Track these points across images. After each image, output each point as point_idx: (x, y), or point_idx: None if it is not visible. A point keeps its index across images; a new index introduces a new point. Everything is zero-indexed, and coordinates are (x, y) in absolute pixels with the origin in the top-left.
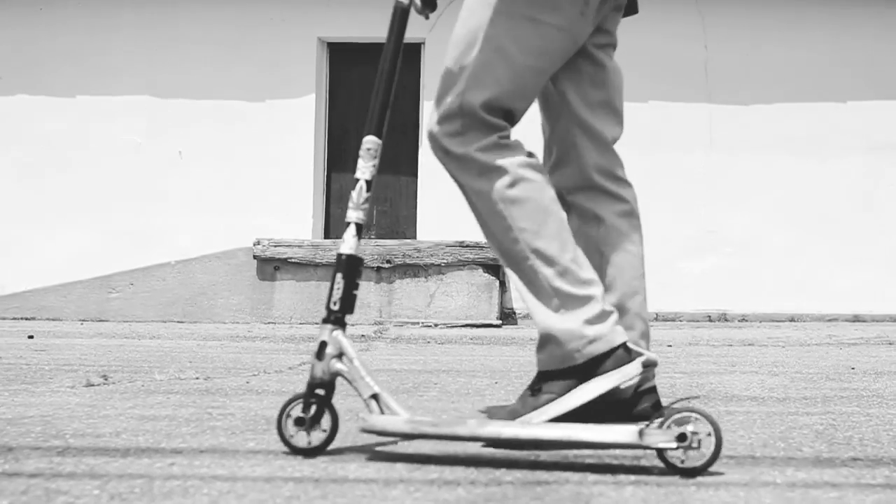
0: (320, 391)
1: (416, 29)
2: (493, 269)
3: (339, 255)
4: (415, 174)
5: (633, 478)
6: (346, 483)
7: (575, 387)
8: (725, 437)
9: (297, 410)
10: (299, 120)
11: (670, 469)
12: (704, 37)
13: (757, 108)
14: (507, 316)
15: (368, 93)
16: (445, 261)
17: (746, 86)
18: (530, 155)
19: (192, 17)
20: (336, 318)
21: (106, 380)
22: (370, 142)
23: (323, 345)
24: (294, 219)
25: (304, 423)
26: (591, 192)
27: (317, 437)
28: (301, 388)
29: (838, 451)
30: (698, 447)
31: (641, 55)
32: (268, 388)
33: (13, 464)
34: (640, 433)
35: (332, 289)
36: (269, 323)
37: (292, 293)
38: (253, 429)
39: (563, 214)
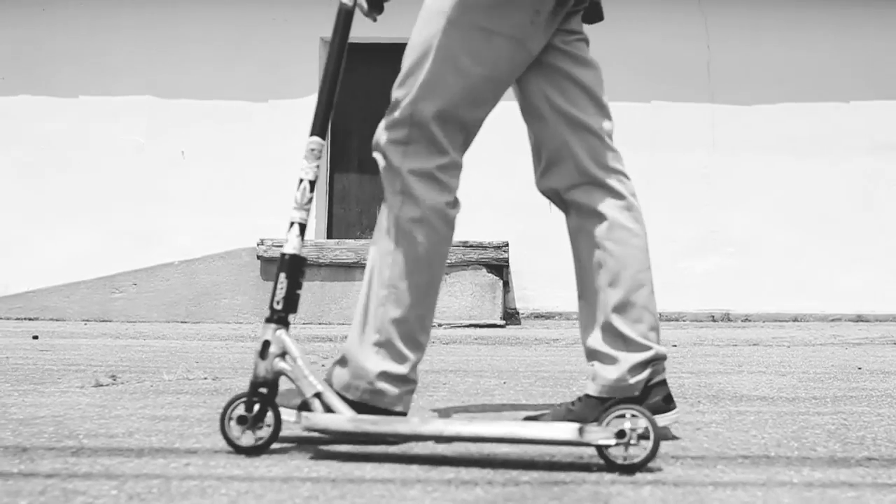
0: (263, 390)
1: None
2: (497, 269)
3: (283, 255)
4: None
5: (650, 477)
6: (363, 483)
7: (329, 409)
8: (738, 437)
9: (239, 410)
10: (301, 120)
11: (610, 466)
12: (707, 36)
13: (759, 108)
14: (511, 316)
15: (371, 93)
16: (449, 261)
17: (749, 86)
18: (455, 203)
19: (193, 17)
20: (279, 318)
21: (115, 380)
22: (314, 142)
23: (266, 344)
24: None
25: (246, 422)
26: (589, 187)
27: (260, 435)
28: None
29: (852, 451)
30: (637, 444)
31: (643, 55)
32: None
33: (28, 464)
34: (580, 430)
35: (275, 288)
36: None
37: None
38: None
39: (440, 277)
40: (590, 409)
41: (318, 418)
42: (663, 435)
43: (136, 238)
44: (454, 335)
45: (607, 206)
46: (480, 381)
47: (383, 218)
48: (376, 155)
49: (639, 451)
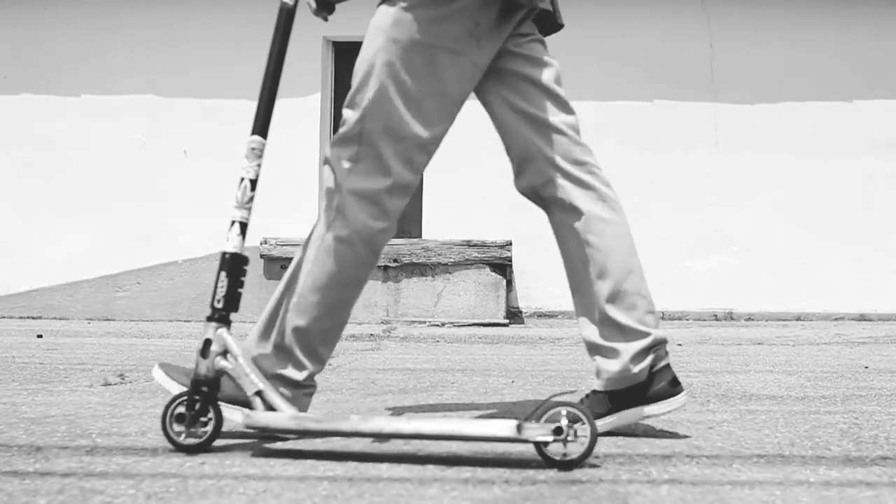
0: (204, 388)
1: None
2: (501, 268)
3: (224, 254)
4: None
5: (666, 476)
6: (380, 482)
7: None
8: (751, 436)
9: (181, 408)
10: (304, 119)
11: (548, 462)
12: (710, 36)
13: (762, 107)
14: (514, 315)
15: None
16: (453, 260)
17: (751, 85)
18: (388, 230)
19: (195, 15)
20: (221, 316)
21: (123, 379)
22: (255, 141)
23: (207, 342)
24: (299, 218)
25: (187, 421)
26: (562, 182)
27: (201, 433)
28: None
29: (867, 450)
30: (575, 440)
31: (646, 54)
32: None
33: (44, 463)
34: (519, 427)
35: (216, 287)
36: None
37: None
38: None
39: (353, 299)
40: (598, 404)
41: (260, 416)
42: (600, 431)
43: (139, 237)
44: (458, 334)
45: (583, 200)
46: (488, 380)
47: (315, 228)
48: (325, 168)
49: (577, 448)
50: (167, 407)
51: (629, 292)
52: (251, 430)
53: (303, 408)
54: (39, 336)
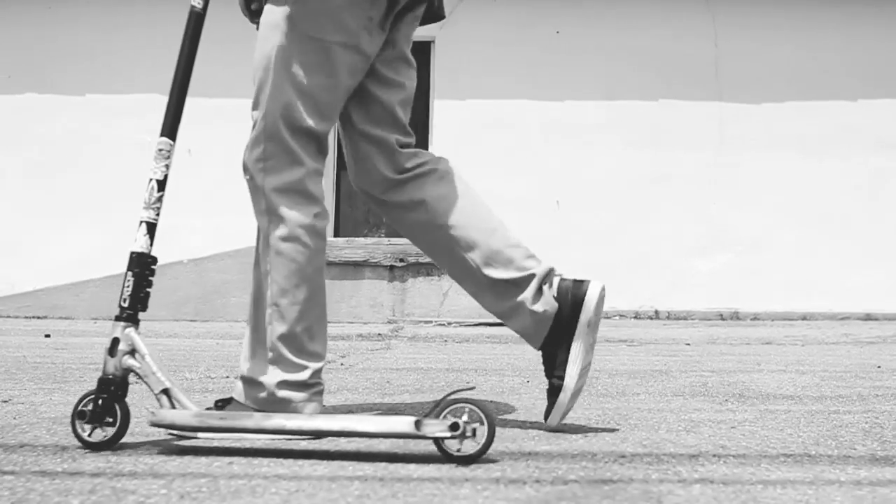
0: (112, 387)
1: (428, 27)
2: None
3: (131, 254)
4: None
5: (696, 475)
6: (411, 482)
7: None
8: (774, 436)
9: (89, 406)
10: None
11: (446, 457)
12: (714, 35)
13: (767, 106)
14: None
15: None
16: None
17: (756, 84)
18: (323, 213)
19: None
20: (128, 315)
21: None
22: (163, 143)
23: (115, 341)
24: None
25: (94, 419)
26: (397, 187)
27: (108, 431)
28: (332, 386)
29: (892, 450)
30: (473, 436)
31: (651, 54)
32: None
33: (71, 463)
34: (417, 424)
35: (123, 286)
36: None
37: None
38: None
39: (321, 286)
40: (548, 358)
41: (165, 414)
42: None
43: None
44: (466, 334)
45: (422, 191)
46: (503, 379)
47: (259, 238)
48: (245, 176)
49: (474, 444)
50: (75, 406)
51: (501, 249)
52: (172, 431)
53: (317, 407)
54: (47, 336)
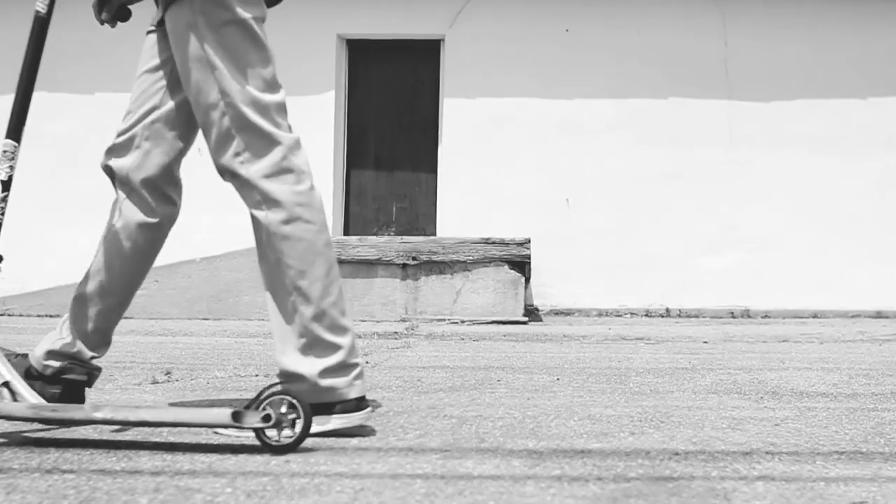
0: None
1: (436, 25)
2: (519, 265)
3: None
4: (434, 171)
5: (755, 473)
6: (473, 479)
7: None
8: (820, 433)
9: None
10: (319, 117)
11: (265, 447)
12: (724, 34)
13: (777, 104)
14: (531, 312)
15: (388, 90)
16: (471, 257)
17: (766, 82)
18: (314, 185)
19: None
20: None
21: (169, 377)
22: (7, 144)
23: None
24: None
25: None
26: (166, 187)
27: None
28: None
29: None
30: (292, 426)
31: (661, 52)
32: None
33: (128, 462)
34: (234, 415)
35: None
36: None
37: None
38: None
39: (334, 260)
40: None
41: (3, 406)
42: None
43: None
44: (482, 332)
45: (158, 211)
46: (533, 377)
47: (258, 233)
48: (227, 179)
49: (291, 434)
50: None
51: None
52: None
53: (362, 389)
54: None
